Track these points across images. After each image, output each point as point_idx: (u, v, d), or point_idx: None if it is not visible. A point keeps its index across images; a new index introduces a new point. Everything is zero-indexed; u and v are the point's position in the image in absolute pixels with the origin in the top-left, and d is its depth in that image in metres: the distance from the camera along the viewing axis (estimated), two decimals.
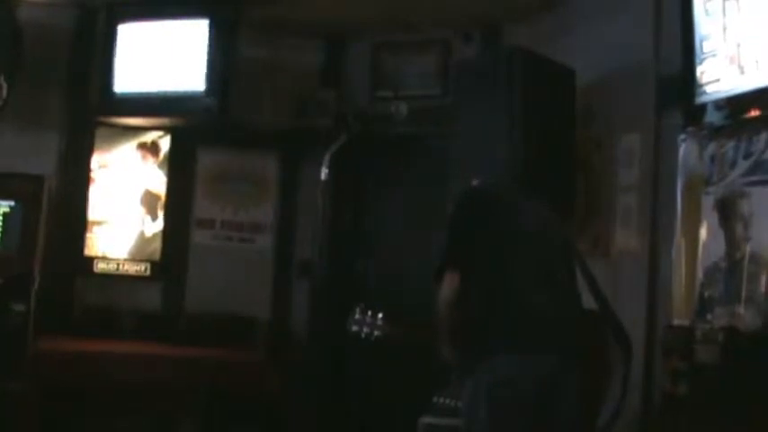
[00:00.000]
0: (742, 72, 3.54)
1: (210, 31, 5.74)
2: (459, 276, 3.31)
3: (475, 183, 3.85)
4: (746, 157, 3.64)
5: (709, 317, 3.72)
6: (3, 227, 5.50)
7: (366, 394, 6.30)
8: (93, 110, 6.17)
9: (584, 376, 3.30)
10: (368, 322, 3.65)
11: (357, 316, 3.67)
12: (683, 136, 4.03)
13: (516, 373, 3.20)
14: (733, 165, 3.72)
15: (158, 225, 6.38)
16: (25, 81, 5.77)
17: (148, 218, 6.37)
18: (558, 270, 3.46)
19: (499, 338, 3.26)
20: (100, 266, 6.27)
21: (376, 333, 3.65)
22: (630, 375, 3.53)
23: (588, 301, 3.58)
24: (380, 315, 3.66)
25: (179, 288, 6.37)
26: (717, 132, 3.82)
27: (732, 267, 3.64)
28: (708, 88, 3.75)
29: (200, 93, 5.75)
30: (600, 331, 3.52)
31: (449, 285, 3.32)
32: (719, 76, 3.68)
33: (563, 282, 3.46)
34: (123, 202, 6.34)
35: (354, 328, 3.67)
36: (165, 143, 6.42)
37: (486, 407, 3.21)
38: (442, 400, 4.46)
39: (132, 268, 6.32)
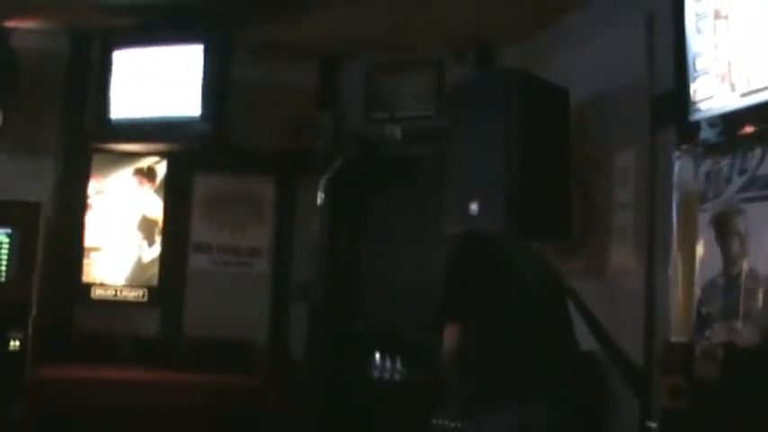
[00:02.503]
0: (733, 89, 3.55)
1: (205, 56, 5.76)
2: (459, 327, 3.37)
3: (469, 228, 3.89)
4: (741, 173, 3.65)
5: (707, 333, 3.71)
6: None
7: (365, 416, 6.27)
8: (89, 136, 6.20)
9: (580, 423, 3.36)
10: (388, 368, 3.76)
11: (378, 362, 3.77)
12: (677, 153, 4.02)
13: (516, 422, 3.23)
14: (728, 181, 3.73)
15: (155, 251, 6.38)
16: (20, 108, 5.81)
17: (145, 243, 6.37)
18: (554, 318, 3.52)
19: (497, 388, 3.31)
20: (97, 293, 6.27)
21: (396, 378, 3.76)
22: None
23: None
24: (398, 360, 3.76)
25: (177, 313, 6.36)
26: (711, 149, 3.82)
27: (730, 283, 3.64)
28: (701, 105, 3.75)
29: (196, 118, 5.76)
30: (597, 375, 3.57)
31: (450, 337, 3.38)
32: (712, 93, 3.69)
33: (559, 330, 3.52)
34: (120, 228, 6.35)
35: (376, 374, 3.77)
36: (161, 168, 6.44)
37: None
38: (440, 421, 4.45)
39: (130, 294, 6.32)
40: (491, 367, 3.34)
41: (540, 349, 3.35)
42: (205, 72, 5.74)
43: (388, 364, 3.76)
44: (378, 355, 3.78)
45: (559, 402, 3.31)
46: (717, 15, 3.64)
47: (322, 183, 4.13)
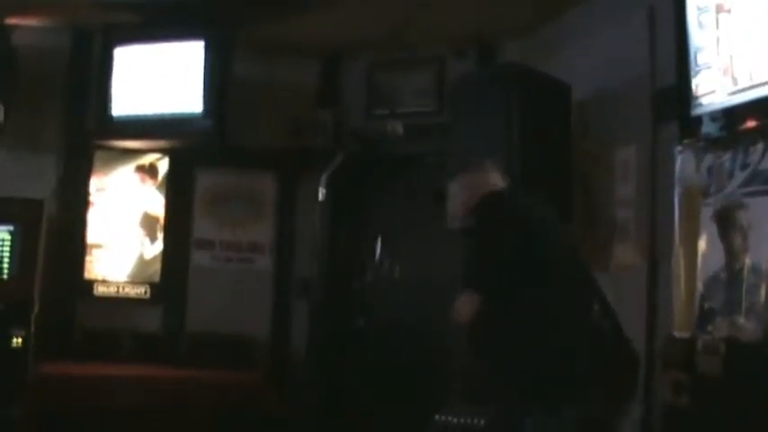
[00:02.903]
0: (736, 83, 3.54)
1: (206, 53, 5.76)
2: (478, 299, 3.21)
3: (501, 192, 3.57)
4: (743, 167, 3.64)
5: (709, 328, 3.71)
6: (1, 252, 5.49)
7: (366, 413, 6.28)
8: (91, 133, 6.19)
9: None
10: (387, 266, 3.69)
11: (377, 261, 3.69)
12: (679, 148, 4.04)
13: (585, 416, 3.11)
14: (730, 176, 3.72)
15: (157, 247, 6.38)
16: (22, 105, 5.81)
17: (147, 240, 6.37)
18: (588, 293, 3.37)
19: (557, 380, 3.13)
20: (100, 290, 6.27)
21: (395, 275, 3.67)
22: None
23: None
24: (398, 268, 3.68)
25: (179, 310, 6.36)
26: (713, 144, 3.82)
27: (732, 278, 3.64)
28: (703, 100, 3.76)
29: (198, 114, 5.76)
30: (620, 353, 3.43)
31: (465, 307, 3.24)
32: (714, 87, 3.68)
33: (594, 306, 3.35)
34: (122, 225, 6.35)
35: (373, 272, 3.68)
36: (163, 165, 6.43)
37: None
38: (443, 417, 4.45)
39: (132, 291, 6.32)
40: (541, 358, 3.15)
41: (587, 338, 3.19)
42: (206, 68, 5.74)
43: (387, 264, 3.70)
44: (378, 251, 3.70)
45: (610, 394, 3.21)
46: (719, 9, 3.64)
47: (323, 179, 4.11)
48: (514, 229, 3.31)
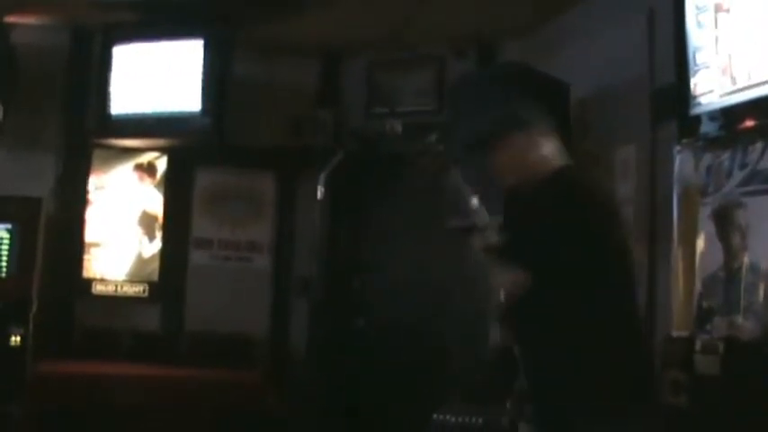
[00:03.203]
0: (734, 83, 3.54)
1: (206, 52, 5.76)
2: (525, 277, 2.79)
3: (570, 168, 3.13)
4: (742, 167, 3.64)
5: (708, 327, 3.71)
6: (0, 250, 5.49)
7: (366, 413, 6.27)
8: (90, 132, 6.19)
9: None
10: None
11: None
12: (678, 147, 4.04)
13: None
14: (729, 175, 3.72)
15: (156, 246, 6.38)
16: (21, 104, 5.81)
17: (146, 239, 6.37)
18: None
19: (622, 393, 2.79)
20: (98, 288, 6.27)
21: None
22: None
23: None
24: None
25: (178, 309, 6.36)
26: (712, 143, 3.82)
27: (730, 277, 3.64)
28: (702, 99, 3.75)
29: (197, 113, 5.76)
30: None
31: (515, 280, 2.85)
32: (713, 87, 3.68)
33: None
34: (121, 224, 6.35)
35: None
36: (161, 164, 6.43)
37: None
38: (442, 417, 4.45)
39: (131, 290, 6.32)
40: (605, 365, 2.78)
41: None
42: (205, 67, 5.73)
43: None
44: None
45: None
46: (718, 9, 3.63)
47: (322, 177, 4.11)
48: (601, 218, 2.92)
